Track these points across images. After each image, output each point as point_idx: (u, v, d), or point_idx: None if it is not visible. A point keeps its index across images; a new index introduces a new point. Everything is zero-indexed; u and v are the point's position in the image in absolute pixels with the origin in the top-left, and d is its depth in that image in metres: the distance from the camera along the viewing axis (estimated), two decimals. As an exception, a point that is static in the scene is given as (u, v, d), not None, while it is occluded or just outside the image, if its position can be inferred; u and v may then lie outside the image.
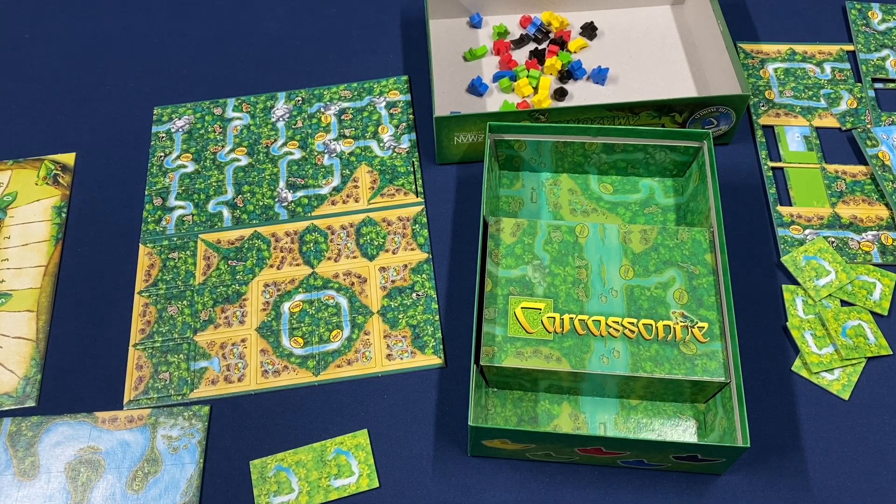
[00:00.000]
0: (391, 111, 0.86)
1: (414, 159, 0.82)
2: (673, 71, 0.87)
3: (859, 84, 0.86)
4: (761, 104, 0.85)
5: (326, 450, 0.66)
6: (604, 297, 0.66)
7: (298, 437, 0.67)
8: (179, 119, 0.87)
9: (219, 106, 0.88)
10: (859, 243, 0.75)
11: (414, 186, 0.81)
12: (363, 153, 0.83)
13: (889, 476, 0.64)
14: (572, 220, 0.76)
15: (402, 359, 0.71)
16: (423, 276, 0.75)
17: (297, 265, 0.76)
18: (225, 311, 0.74)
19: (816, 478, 0.64)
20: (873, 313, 0.72)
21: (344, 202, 0.80)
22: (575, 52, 0.89)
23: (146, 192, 0.82)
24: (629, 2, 0.92)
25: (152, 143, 0.85)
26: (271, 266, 0.76)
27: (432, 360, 0.71)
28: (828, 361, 0.69)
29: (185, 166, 0.83)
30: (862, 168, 0.80)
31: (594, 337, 0.65)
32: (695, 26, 0.89)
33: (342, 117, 0.86)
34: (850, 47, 0.89)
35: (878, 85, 0.86)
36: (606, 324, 0.65)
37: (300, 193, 0.81)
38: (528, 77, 0.85)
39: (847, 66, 0.87)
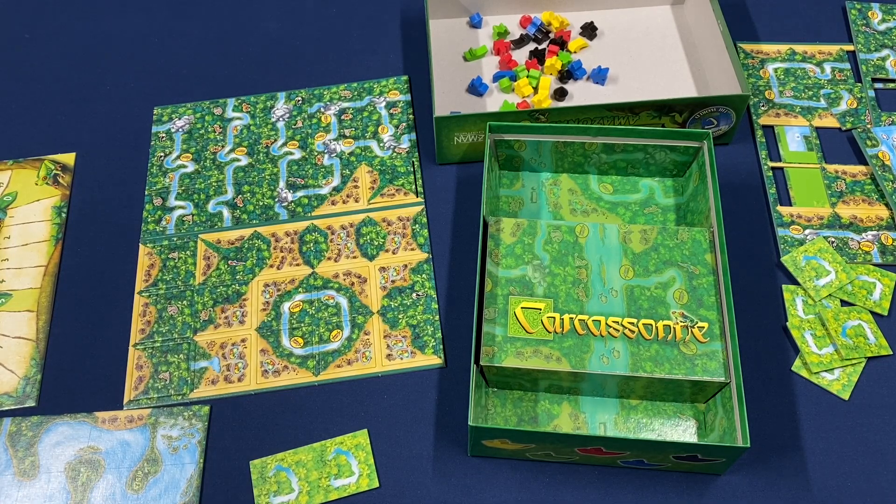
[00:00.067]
0: (391, 111, 0.86)
1: (414, 159, 0.82)
2: (673, 71, 0.87)
3: (859, 84, 0.86)
4: (761, 104, 0.85)
5: (326, 450, 0.66)
6: (604, 297, 0.66)
7: (298, 437, 0.67)
8: (179, 119, 0.87)
9: (219, 106, 0.88)
10: (859, 243, 0.75)
11: (414, 186, 0.81)
12: (363, 153, 0.83)
13: (889, 476, 0.64)
14: (572, 220, 0.76)
15: (402, 359, 0.71)
16: (423, 276, 0.75)
17: (297, 265, 0.76)
18: (225, 311, 0.74)
19: (816, 478, 0.64)
20: (873, 313, 0.72)
21: (344, 202, 0.80)
22: (575, 52, 0.89)
23: (146, 192, 0.82)
24: (629, 2, 0.92)
25: (152, 143, 0.85)
26: (271, 266, 0.76)
27: (432, 360, 0.71)
28: (828, 361, 0.69)
29: (185, 166, 0.83)
30: (862, 168, 0.80)
31: (594, 337, 0.65)
32: (695, 26, 0.89)
33: (342, 117, 0.86)
34: (850, 47, 0.89)
35: (878, 85, 0.86)
36: (606, 324, 0.65)
37: (300, 193, 0.81)
38: (528, 77, 0.85)
39: (847, 66, 0.87)
